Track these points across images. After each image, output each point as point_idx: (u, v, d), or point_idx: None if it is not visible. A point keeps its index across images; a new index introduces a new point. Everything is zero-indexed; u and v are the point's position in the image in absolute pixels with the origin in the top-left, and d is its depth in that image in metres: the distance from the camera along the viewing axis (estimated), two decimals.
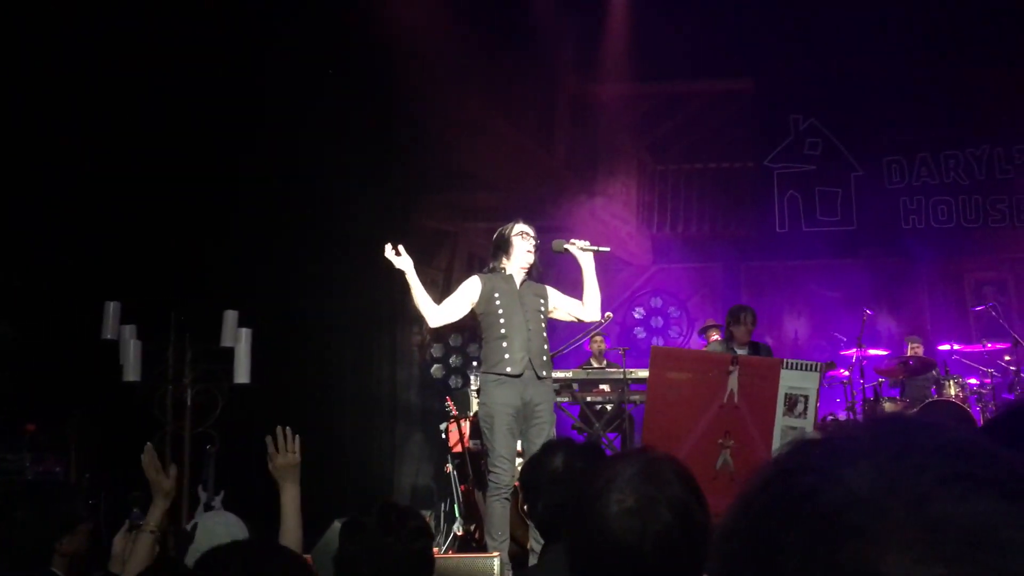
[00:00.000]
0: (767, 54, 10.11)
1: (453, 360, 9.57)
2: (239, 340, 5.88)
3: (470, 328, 9.93)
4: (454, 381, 9.38)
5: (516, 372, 4.81)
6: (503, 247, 5.08)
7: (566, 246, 5.11)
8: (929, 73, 9.99)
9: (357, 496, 7.83)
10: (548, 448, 2.64)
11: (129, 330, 5.76)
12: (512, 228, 5.09)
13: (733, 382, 5.33)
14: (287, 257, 7.69)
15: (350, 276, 8.32)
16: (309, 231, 7.99)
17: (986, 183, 10.18)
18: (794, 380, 5.33)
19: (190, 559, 2.64)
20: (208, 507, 5.46)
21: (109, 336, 5.75)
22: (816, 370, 5.43)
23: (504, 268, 5.06)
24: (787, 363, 5.49)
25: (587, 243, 5.13)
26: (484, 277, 5.06)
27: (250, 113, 7.54)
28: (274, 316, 6.97)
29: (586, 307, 5.15)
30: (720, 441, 5.27)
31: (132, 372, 5.66)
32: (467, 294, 4.99)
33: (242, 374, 5.83)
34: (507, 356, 4.81)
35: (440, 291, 10.02)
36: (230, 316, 5.95)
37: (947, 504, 0.54)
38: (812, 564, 0.55)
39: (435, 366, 9.57)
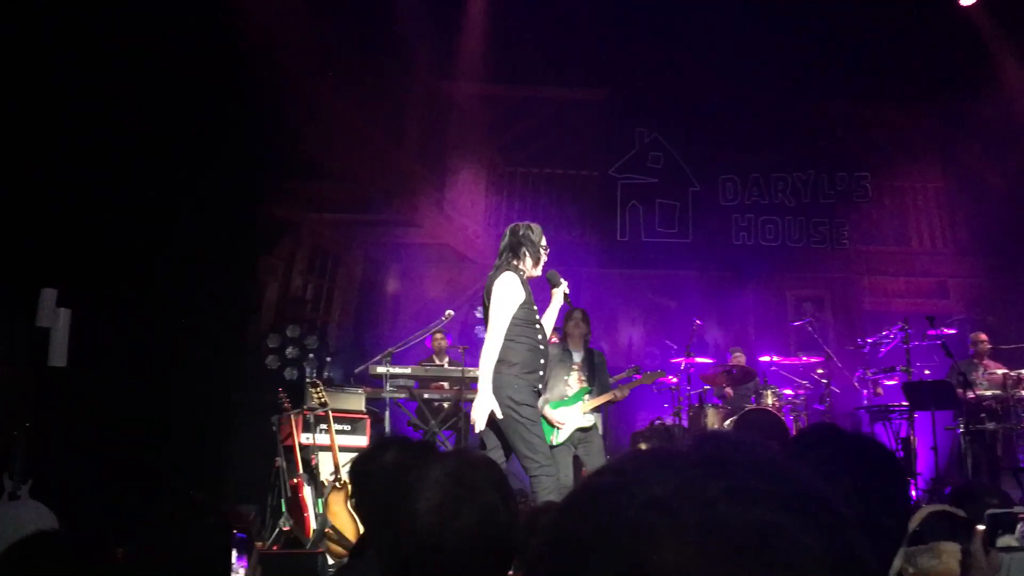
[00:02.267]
0: (619, 67, 10.42)
1: (290, 351, 9.34)
2: (57, 320, 5.53)
3: (309, 320, 9.75)
4: (289, 373, 9.16)
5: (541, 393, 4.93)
6: (532, 250, 4.97)
7: (561, 280, 5.17)
8: (766, 100, 10.56)
9: (183, 489, 7.52)
10: (382, 443, 2.63)
11: None
12: (542, 237, 5.01)
13: None
14: (118, 239, 7.28)
15: (187, 262, 7.98)
16: (146, 212, 7.59)
17: (810, 206, 10.86)
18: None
19: None
20: (13, 496, 5.12)
21: None
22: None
23: (524, 272, 4.97)
24: None
25: (567, 290, 5.22)
26: (520, 277, 4.92)
27: (86, 88, 7.10)
28: (99, 299, 6.59)
29: None
30: None
31: None
32: (520, 296, 4.86)
33: (58, 357, 5.49)
34: (541, 374, 4.87)
35: (281, 280, 9.79)
36: (48, 295, 5.60)
37: (728, 510, 0.57)
38: (599, 555, 0.58)
39: (270, 357, 9.32)
